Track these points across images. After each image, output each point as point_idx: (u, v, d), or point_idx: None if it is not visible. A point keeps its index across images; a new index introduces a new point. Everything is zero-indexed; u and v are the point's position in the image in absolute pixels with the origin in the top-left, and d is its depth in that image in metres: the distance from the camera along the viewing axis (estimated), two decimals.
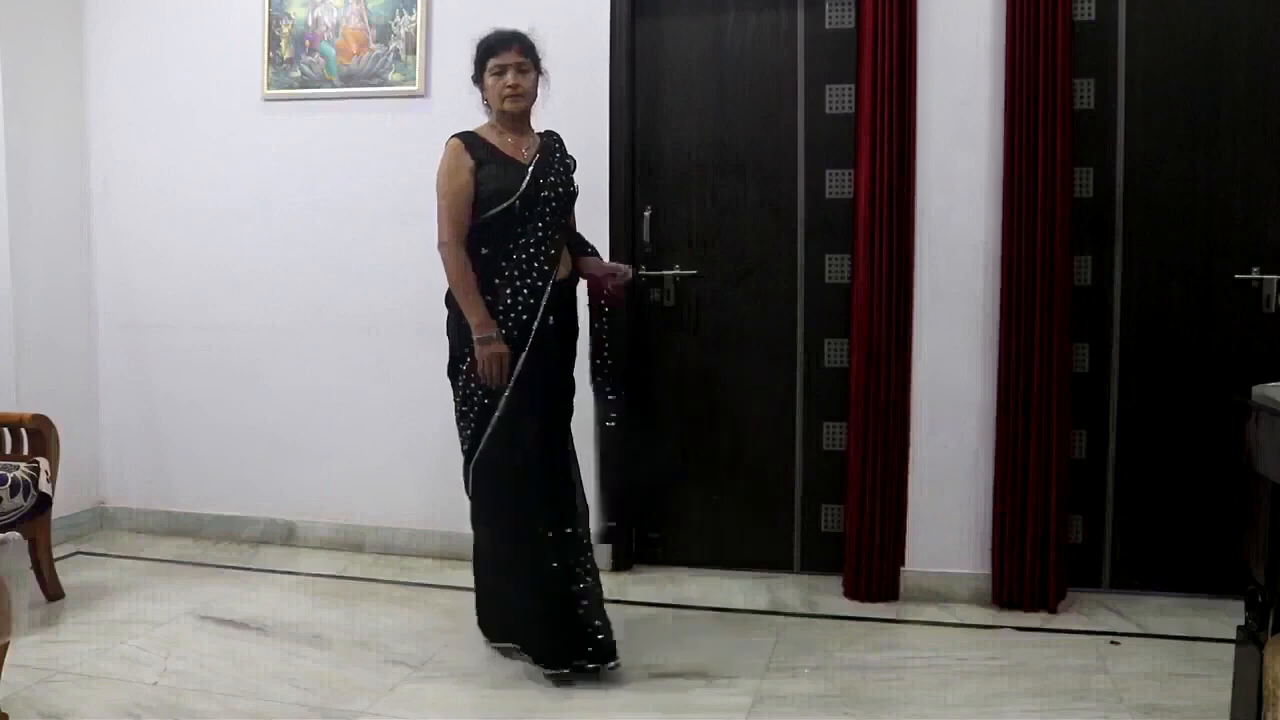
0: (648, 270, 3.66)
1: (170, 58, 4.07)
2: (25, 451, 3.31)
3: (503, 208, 2.78)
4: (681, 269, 3.66)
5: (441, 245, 2.79)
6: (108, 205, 4.18)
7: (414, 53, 3.78)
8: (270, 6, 3.93)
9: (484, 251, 2.80)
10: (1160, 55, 3.30)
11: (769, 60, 3.57)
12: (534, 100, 2.89)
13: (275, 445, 4.04)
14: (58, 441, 3.35)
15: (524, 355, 2.77)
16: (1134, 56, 3.31)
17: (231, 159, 4.02)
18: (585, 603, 2.79)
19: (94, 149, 4.17)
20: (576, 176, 2.97)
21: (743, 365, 3.65)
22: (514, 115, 2.87)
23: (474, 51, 2.89)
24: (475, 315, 2.75)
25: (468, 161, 2.81)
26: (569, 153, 2.97)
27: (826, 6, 3.51)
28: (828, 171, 3.53)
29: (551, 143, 2.95)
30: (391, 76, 3.83)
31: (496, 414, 2.78)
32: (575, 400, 2.93)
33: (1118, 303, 3.36)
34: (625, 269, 3.04)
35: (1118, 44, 3.31)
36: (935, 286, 3.38)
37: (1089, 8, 3.30)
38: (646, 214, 3.64)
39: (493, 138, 2.86)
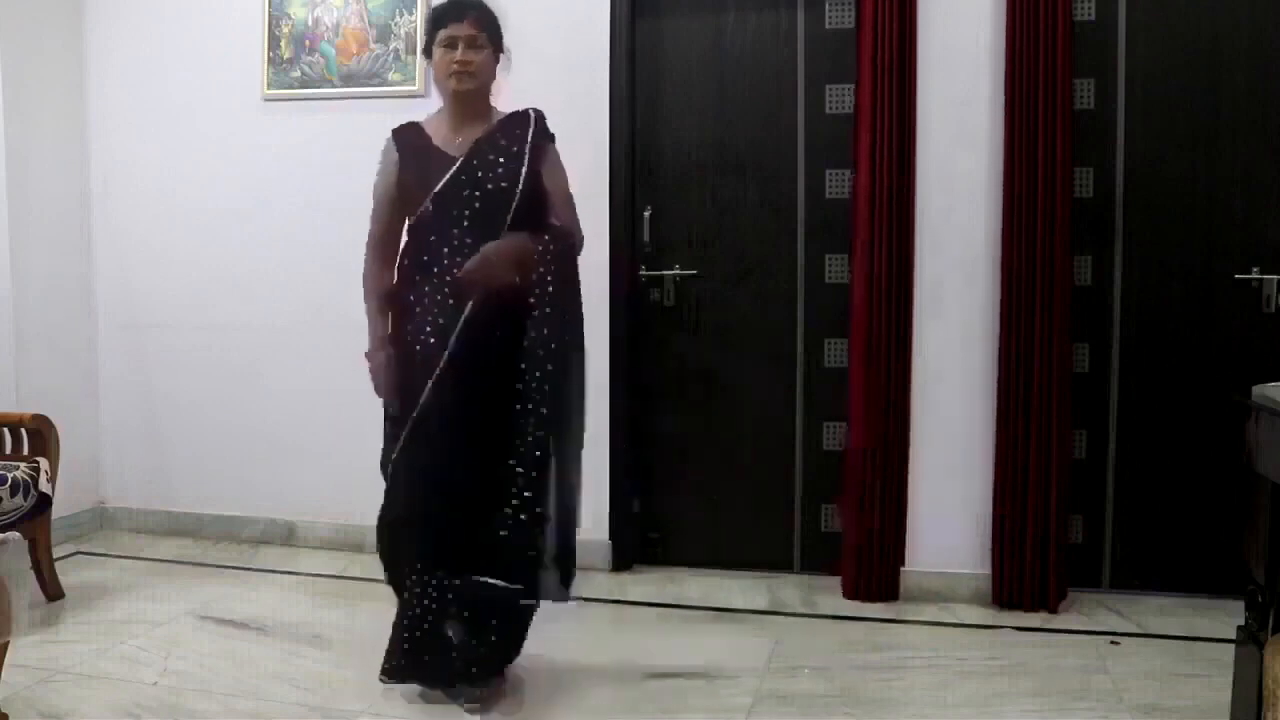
0: (648, 270, 3.66)
1: (170, 58, 4.07)
2: (25, 451, 3.31)
3: (419, 213, 2.49)
4: (681, 269, 3.66)
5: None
6: (108, 205, 4.18)
7: (414, 53, 3.78)
8: (270, 6, 3.93)
9: (406, 263, 2.55)
10: (1160, 55, 3.29)
11: (769, 60, 3.57)
12: (489, 82, 2.54)
13: (275, 445, 4.03)
14: (58, 441, 3.35)
15: (427, 391, 2.46)
16: (1134, 56, 3.30)
17: (231, 159, 4.02)
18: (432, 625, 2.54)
19: (94, 149, 4.17)
20: (571, 165, 2.64)
21: (743, 365, 3.65)
22: (462, 97, 2.51)
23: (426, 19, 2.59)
24: (372, 328, 2.61)
25: (392, 157, 2.56)
26: (547, 131, 2.57)
27: (826, 6, 3.51)
28: (828, 171, 3.53)
29: (508, 128, 2.53)
30: (391, 76, 3.83)
31: (407, 429, 2.52)
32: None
33: (1118, 303, 3.36)
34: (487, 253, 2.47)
35: (1118, 44, 3.31)
36: (935, 286, 3.38)
37: (1089, 8, 3.30)
38: (646, 214, 3.64)
39: (432, 126, 2.56)
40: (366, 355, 2.62)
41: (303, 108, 3.93)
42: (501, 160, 2.48)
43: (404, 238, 2.59)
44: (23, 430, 3.32)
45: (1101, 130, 3.32)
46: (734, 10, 3.59)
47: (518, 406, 2.48)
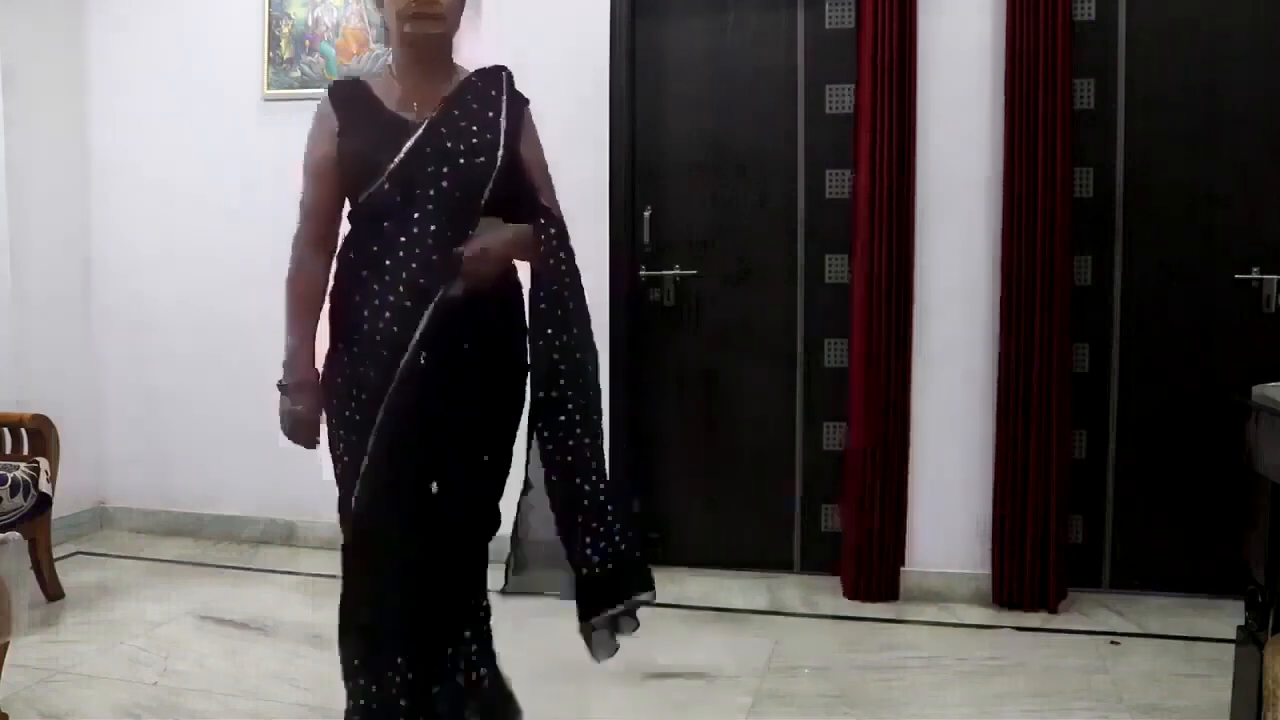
0: (648, 270, 3.66)
1: (170, 58, 4.07)
2: (25, 451, 3.31)
3: (369, 193, 1.96)
4: (681, 269, 3.65)
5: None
6: (108, 205, 4.18)
7: None
8: (270, 6, 3.93)
9: (351, 256, 2.02)
10: (1160, 55, 3.29)
11: (769, 60, 3.56)
12: (455, 27, 2.03)
13: (275, 445, 4.01)
14: (58, 441, 3.35)
15: (380, 416, 1.95)
16: (1134, 56, 3.30)
17: (232, 159, 4.02)
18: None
19: (94, 149, 4.17)
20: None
21: (743, 365, 3.65)
22: (424, 47, 2.00)
23: None
24: (288, 346, 2.06)
25: (329, 123, 2.03)
26: (520, 94, 2.09)
27: (826, 6, 3.51)
28: (828, 171, 3.53)
29: (478, 88, 2.04)
30: None
31: (363, 467, 2.00)
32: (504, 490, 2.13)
33: (1118, 303, 3.36)
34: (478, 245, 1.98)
35: (1118, 44, 3.31)
36: (935, 286, 3.38)
37: (1089, 8, 3.30)
38: (646, 214, 3.64)
39: (381, 87, 2.04)
40: (282, 387, 2.07)
41: (303, 108, 3.87)
42: (474, 127, 1.98)
43: (345, 225, 2.09)
44: (23, 430, 3.33)
45: (1101, 130, 3.32)
46: (734, 10, 3.58)
47: (538, 435, 2.03)
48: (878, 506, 3.37)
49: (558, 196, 2.12)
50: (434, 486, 2.01)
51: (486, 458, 2.07)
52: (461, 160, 1.95)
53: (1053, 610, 3.25)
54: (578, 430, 2.03)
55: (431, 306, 1.93)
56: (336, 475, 2.09)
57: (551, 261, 2.03)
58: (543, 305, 2.01)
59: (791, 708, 2.63)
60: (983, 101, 3.31)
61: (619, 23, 3.59)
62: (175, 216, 4.09)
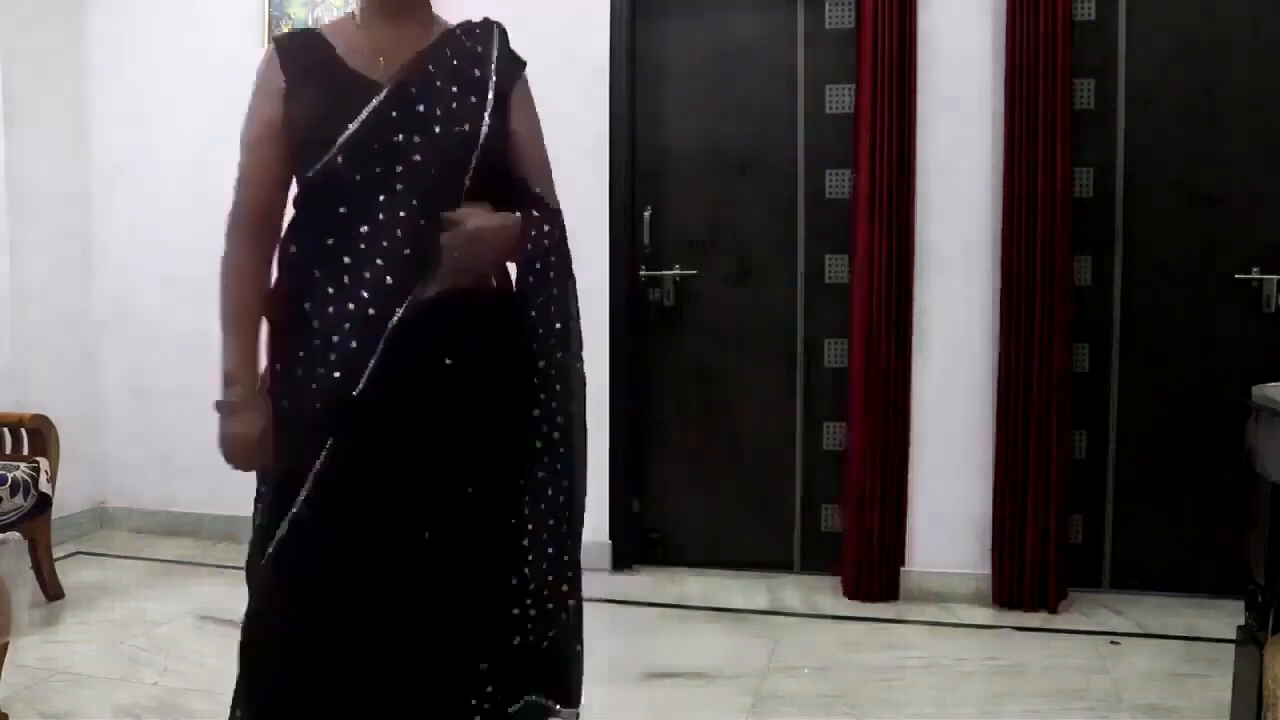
0: (648, 270, 3.66)
1: (170, 57, 4.07)
2: (25, 451, 3.31)
3: (317, 168, 1.59)
4: (681, 269, 3.65)
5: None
6: (108, 205, 4.18)
7: None
8: (270, 6, 3.93)
9: (294, 250, 1.65)
10: (1160, 55, 3.29)
11: (769, 60, 3.56)
12: None
13: None
14: (58, 441, 3.35)
15: (330, 442, 1.57)
16: (1134, 56, 3.30)
17: (232, 160, 4.00)
18: None
19: (94, 148, 4.17)
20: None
21: (743, 365, 3.65)
22: None
23: None
24: (224, 357, 1.64)
25: (274, 81, 1.64)
26: (515, 54, 1.73)
27: (826, 6, 3.51)
28: (828, 171, 3.53)
29: (461, 43, 1.67)
30: None
31: (281, 531, 1.60)
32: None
33: (1118, 303, 3.36)
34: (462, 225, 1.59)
35: (1118, 44, 3.31)
36: (935, 286, 3.38)
37: (1089, 8, 3.30)
38: (646, 214, 3.64)
39: (341, 38, 1.65)
40: (220, 406, 1.64)
41: None
42: (455, 88, 1.61)
43: (290, 209, 1.73)
44: (23, 430, 3.33)
45: (1101, 130, 3.32)
46: (734, 10, 3.58)
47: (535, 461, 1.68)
48: (878, 506, 3.37)
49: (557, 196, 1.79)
50: (398, 497, 1.59)
51: (474, 504, 1.64)
52: (438, 128, 1.57)
53: (1053, 610, 3.25)
54: (549, 494, 1.68)
55: (400, 313, 1.55)
56: (254, 523, 1.68)
57: (539, 265, 1.66)
58: (534, 314, 1.66)
59: (791, 708, 2.63)
60: (983, 101, 3.31)
61: (619, 23, 3.60)
62: (175, 216, 4.08)
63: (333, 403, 1.56)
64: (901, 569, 3.42)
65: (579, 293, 1.75)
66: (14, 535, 2.14)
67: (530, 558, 1.67)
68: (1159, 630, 3.11)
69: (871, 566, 3.39)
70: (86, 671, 2.81)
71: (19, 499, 3.09)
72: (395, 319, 1.56)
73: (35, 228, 3.96)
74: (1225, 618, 2.89)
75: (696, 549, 3.72)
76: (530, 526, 1.67)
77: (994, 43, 3.28)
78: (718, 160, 3.63)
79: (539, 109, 1.78)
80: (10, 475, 3.07)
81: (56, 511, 3.39)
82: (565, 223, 1.73)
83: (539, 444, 1.66)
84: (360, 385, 1.55)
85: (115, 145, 4.15)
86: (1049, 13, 3.16)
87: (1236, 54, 3.24)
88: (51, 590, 3.36)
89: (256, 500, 1.70)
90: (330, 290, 1.57)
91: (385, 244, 1.56)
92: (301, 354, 1.60)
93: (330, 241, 1.59)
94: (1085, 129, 3.30)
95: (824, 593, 3.47)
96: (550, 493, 1.68)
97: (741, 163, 3.61)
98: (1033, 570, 3.26)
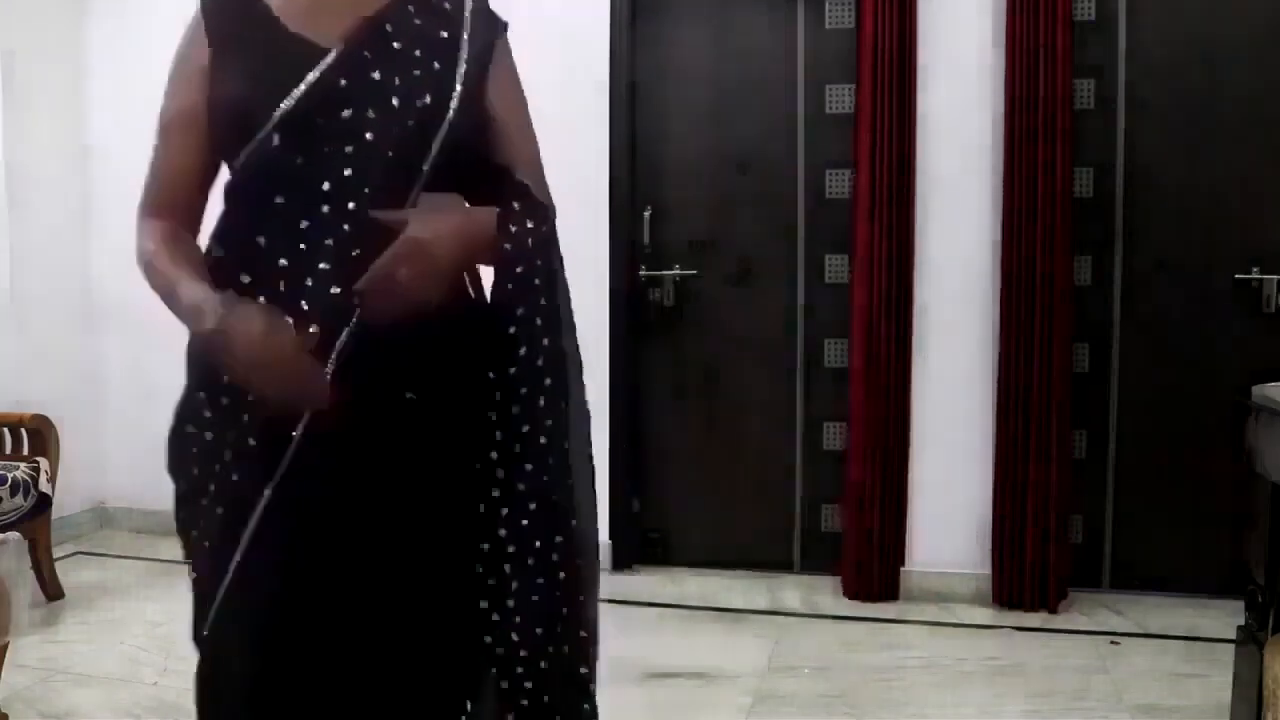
0: (648, 270, 3.66)
1: (170, 57, 4.06)
2: (25, 451, 3.31)
3: (249, 149, 1.30)
4: (681, 269, 3.65)
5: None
6: (108, 205, 4.18)
7: None
8: None
9: (222, 254, 1.34)
10: (1160, 55, 3.29)
11: (769, 60, 3.56)
12: None
13: None
14: (58, 441, 3.35)
15: (266, 494, 1.29)
16: (1134, 56, 3.30)
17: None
18: None
19: (94, 148, 4.16)
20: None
21: (743, 365, 3.65)
22: None
23: None
24: (182, 294, 1.28)
25: (199, 47, 1.40)
26: (494, 14, 1.42)
27: (826, 6, 3.51)
28: (828, 171, 3.53)
29: (426, 1, 1.36)
30: None
31: (216, 603, 1.35)
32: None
33: (1118, 303, 3.36)
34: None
35: (1118, 44, 3.31)
36: (935, 286, 3.38)
37: (1089, 8, 3.30)
38: (646, 214, 3.64)
39: None
40: (194, 331, 1.34)
41: None
42: (417, 53, 1.32)
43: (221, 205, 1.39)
44: (23, 430, 3.33)
45: (1101, 130, 3.32)
46: (734, 10, 3.58)
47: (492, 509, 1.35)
48: (878, 506, 3.37)
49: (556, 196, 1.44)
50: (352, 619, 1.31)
51: (434, 577, 1.35)
52: (396, 101, 1.28)
53: (1053, 610, 3.25)
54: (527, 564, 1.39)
55: (347, 332, 1.25)
56: (194, 590, 1.43)
57: (520, 270, 1.30)
58: (513, 331, 1.31)
59: (791, 708, 2.63)
60: (983, 101, 3.31)
61: (619, 23, 3.59)
62: None
63: (267, 445, 1.27)
64: (901, 569, 3.42)
65: (578, 296, 1.40)
66: (14, 535, 2.14)
67: (514, 636, 1.46)
68: (1159, 630, 3.11)
69: (871, 566, 3.39)
70: (86, 671, 2.81)
71: (19, 499, 3.09)
72: (341, 340, 1.25)
73: (35, 228, 3.96)
74: (1225, 618, 2.89)
75: (696, 549, 3.72)
76: (511, 605, 1.43)
77: (994, 43, 3.28)
78: (718, 160, 3.63)
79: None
80: (10, 475, 3.07)
81: (56, 511, 3.39)
82: (557, 221, 1.38)
83: (532, 505, 1.34)
84: (300, 426, 1.25)
85: (115, 144, 4.15)
86: (1049, 13, 3.16)
87: (1236, 54, 3.24)
88: (51, 590, 3.36)
89: (190, 569, 1.47)
90: (262, 302, 1.24)
91: (330, 243, 1.25)
92: (227, 380, 1.27)
93: (263, 241, 1.28)
94: (1085, 129, 3.30)
95: (824, 593, 3.47)
96: (534, 566, 1.41)
97: (741, 163, 3.61)
98: (1033, 570, 3.26)
